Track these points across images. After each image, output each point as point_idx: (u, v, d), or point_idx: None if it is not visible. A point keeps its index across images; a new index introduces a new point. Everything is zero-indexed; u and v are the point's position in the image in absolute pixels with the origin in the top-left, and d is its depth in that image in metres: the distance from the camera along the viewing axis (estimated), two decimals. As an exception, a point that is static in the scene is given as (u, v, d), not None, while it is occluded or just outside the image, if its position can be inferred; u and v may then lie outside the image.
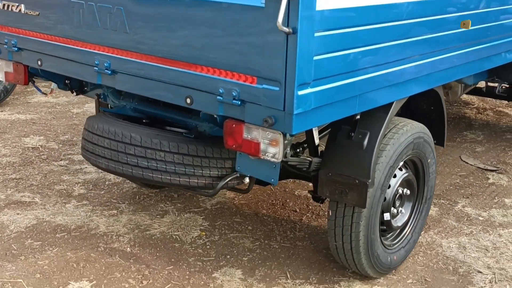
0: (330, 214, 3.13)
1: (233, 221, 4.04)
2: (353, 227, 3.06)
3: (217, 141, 2.99)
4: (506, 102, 6.95)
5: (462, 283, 3.40)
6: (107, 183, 4.58)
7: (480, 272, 3.50)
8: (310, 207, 4.29)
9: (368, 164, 2.87)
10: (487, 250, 3.76)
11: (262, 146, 2.48)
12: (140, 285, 3.28)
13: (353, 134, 2.95)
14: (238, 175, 2.94)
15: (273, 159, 2.48)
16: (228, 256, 3.59)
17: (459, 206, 4.36)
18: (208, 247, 3.70)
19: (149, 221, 3.99)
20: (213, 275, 3.39)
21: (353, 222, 3.05)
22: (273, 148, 2.45)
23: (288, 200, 4.39)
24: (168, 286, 3.28)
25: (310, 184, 4.63)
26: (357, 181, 2.87)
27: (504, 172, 5.10)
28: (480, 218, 4.21)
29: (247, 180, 2.97)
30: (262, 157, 2.50)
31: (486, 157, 5.43)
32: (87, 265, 3.45)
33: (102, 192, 4.42)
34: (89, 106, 6.60)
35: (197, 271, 3.43)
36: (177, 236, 3.80)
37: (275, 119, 2.36)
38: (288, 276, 3.41)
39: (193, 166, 2.95)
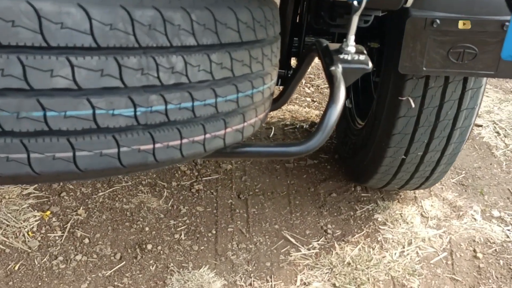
0: (412, 105, 1.53)
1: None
2: (461, 118, 1.56)
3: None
4: None
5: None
6: None
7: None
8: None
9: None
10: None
11: None
12: None
13: None
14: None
15: None
16: (153, 243, 1.67)
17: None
18: (89, 242, 1.66)
19: None
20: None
21: (461, 109, 1.55)
22: None
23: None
24: None
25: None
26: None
27: None
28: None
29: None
30: None
31: None
32: None
33: None
34: None
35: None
36: (4, 242, 1.62)
37: None
38: (293, 241, 1.75)
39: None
